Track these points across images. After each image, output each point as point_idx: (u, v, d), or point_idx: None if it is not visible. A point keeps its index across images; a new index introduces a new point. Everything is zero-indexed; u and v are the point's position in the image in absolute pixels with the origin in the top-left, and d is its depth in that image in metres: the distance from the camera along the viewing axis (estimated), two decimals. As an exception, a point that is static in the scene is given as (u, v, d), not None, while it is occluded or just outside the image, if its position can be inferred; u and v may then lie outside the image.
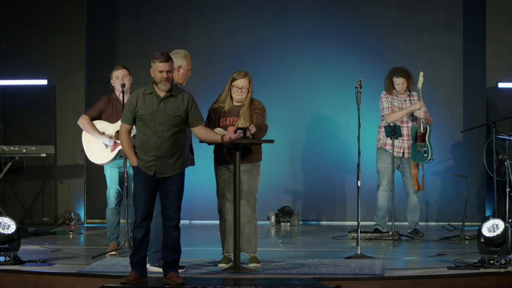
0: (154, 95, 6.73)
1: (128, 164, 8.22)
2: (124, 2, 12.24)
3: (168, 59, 6.70)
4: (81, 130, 8.60)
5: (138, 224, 6.69)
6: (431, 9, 11.88)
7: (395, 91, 9.98)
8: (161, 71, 6.67)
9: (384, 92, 10.02)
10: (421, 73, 9.81)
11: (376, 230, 9.88)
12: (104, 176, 8.60)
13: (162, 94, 6.73)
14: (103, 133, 8.43)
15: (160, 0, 12.15)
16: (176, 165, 6.73)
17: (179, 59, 7.45)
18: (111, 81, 8.56)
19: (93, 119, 8.50)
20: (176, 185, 6.74)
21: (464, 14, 11.81)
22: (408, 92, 10.00)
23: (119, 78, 8.47)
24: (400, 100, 9.98)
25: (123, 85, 8.39)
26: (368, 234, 9.75)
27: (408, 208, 9.99)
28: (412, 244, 9.49)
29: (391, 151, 9.82)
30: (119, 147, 8.32)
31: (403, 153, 9.93)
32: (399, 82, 9.92)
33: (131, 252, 6.86)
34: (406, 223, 10.19)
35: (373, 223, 10.13)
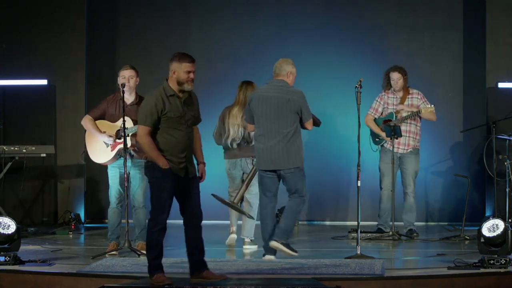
0: (176, 96, 6.67)
1: (128, 164, 8.22)
2: (124, 2, 12.24)
3: (194, 60, 6.68)
4: (83, 130, 8.63)
5: (163, 227, 6.61)
6: (431, 9, 11.88)
7: (392, 89, 10.03)
8: (189, 71, 6.64)
9: (382, 91, 10.08)
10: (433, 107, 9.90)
11: (379, 230, 9.89)
12: (107, 176, 8.61)
13: (181, 94, 6.69)
14: (104, 132, 8.44)
15: (160, 0, 12.14)
16: (194, 165, 6.77)
17: (289, 65, 8.10)
18: (118, 79, 8.51)
19: (96, 119, 8.50)
20: (198, 184, 6.78)
21: (464, 14, 11.81)
22: (407, 89, 10.03)
23: (125, 78, 8.44)
24: (396, 98, 10.02)
25: (123, 85, 8.38)
26: (368, 234, 9.75)
27: (405, 208, 9.99)
28: (412, 244, 9.49)
29: (391, 149, 9.85)
30: (119, 146, 8.33)
31: (404, 148, 9.94)
32: (395, 78, 9.97)
33: (153, 255, 6.66)
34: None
35: (375, 223, 10.14)
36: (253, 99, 8.02)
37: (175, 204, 6.70)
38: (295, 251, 7.85)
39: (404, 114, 9.94)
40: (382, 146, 10.04)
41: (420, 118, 9.99)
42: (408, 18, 11.91)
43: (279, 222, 7.97)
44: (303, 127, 7.97)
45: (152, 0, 12.18)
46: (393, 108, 10.03)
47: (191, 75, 6.64)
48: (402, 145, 9.95)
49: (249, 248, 8.90)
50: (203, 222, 6.75)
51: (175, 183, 6.59)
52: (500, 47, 11.46)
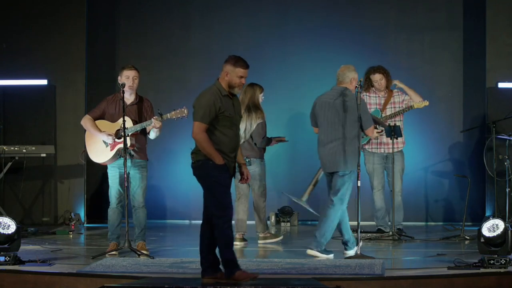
0: (228, 97, 6.70)
1: (128, 164, 8.21)
2: (124, 3, 12.25)
3: (248, 65, 6.71)
4: (83, 130, 8.62)
5: (231, 222, 6.62)
6: (431, 9, 11.88)
7: (373, 89, 10.02)
8: (241, 77, 6.68)
9: (363, 92, 10.04)
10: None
11: (379, 231, 9.90)
12: (106, 176, 8.61)
13: (230, 95, 6.72)
14: (104, 131, 8.44)
15: (160, 0, 12.16)
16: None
17: (352, 71, 8.30)
18: (119, 78, 8.49)
19: (96, 119, 8.50)
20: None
21: (464, 14, 11.82)
22: (390, 90, 10.04)
23: (129, 78, 8.42)
24: (379, 97, 10.02)
25: (123, 85, 8.38)
26: (368, 234, 9.75)
27: (392, 207, 9.96)
28: (412, 244, 9.49)
29: (376, 151, 9.90)
30: (118, 146, 8.32)
31: (384, 148, 9.93)
32: (377, 79, 9.97)
33: (231, 252, 6.56)
34: (407, 223, 10.19)
35: (373, 223, 10.14)
36: (317, 104, 8.36)
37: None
38: (331, 253, 8.24)
39: (389, 113, 9.91)
40: (364, 149, 10.02)
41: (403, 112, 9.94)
42: (408, 18, 11.91)
43: (318, 230, 8.21)
44: (364, 133, 8.28)
45: (152, 1, 12.19)
46: (375, 108, 10.01)
47: (243, 80, 6.70)
48: (386, 145, 9.90)
49: (271, 241, 9.38)
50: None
51: (228, 180, 6.65)
52: (500, 47, 11.46)
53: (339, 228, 8.29)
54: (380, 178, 9.92)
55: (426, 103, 9.85)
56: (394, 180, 9.85)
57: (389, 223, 9.83)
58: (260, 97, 9.49)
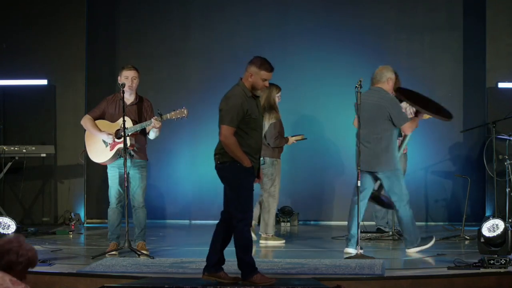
0: (252, 98, 6.65)
1: (128, 164, 8.21)
2: (124, 3, 12.24)
3: (273, 68, 6.66)
4: (83, 130, 8.62)
5: (250, 226, 6.62)
6: (431, 9, 11.88)
7: None
8: (265, 80, 6.63)
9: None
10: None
11: (379, 230, 9.90)
12: (106, 176, 8.61)
13: (254, 97, 6.68)
14: (103, 131, 8.44)
15: (160, 0, 12.15)
16: None
17: (389, 71, 8.42)
18: (119, 78, 8.49)
19: (95, 119, 8.50)
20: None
21: (464, 14, 11.82)
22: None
23: (128, 78, 8.41)
24: None
25: (123, 85, 8.38)
26: (368, 234, 9.75)
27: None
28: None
29: None
30: (118, 146, 8.32)
31: None
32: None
33: (245, 253, 6.55)
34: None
35: (373, 223, 10.14)
36: (357, 104, 8.44)
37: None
38: (430, 241, 8.47)
39: None
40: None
41: None
42: (408, 18, 11.91)
43: (404, 232, 8.49)
44: (401, 130, 8.47)
45: (152, 1, 12.19)
46: None
47: (266, 83, 6.65)
48: None
49: (271, 243, 9.39)
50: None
51: (253, 182, 6.64)
52: (500, 47, 11.47)
53: (349, 223, 8.46)
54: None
55: (427, 116, 9.82)
56: None
57: (388, 223, 9.83)
58: (277, 97, 9.50)
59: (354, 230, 8.34)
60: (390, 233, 9.65)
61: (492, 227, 7.25)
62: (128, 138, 8.22)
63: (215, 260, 6.65)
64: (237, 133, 6.51)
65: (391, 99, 8.33)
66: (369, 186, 8.49)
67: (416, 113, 8.64)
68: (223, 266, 6.67)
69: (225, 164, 6.53)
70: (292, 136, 9.80)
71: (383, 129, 8.31)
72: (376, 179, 8.48)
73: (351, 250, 8.27)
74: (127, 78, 8.41)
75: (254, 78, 6.59)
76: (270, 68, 6.62)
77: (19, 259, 4.34)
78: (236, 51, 11.92)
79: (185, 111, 8.22)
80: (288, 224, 11.59)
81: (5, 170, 10.93)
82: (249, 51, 11.87)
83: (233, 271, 6.71)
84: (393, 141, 8.31)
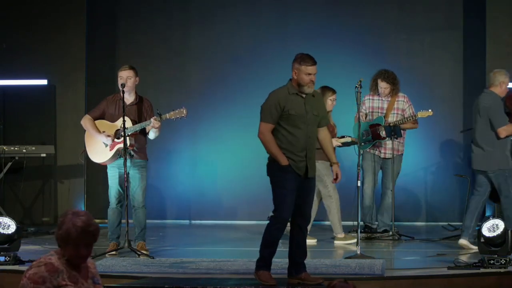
0: (299, 96, 6.67)
1: (128, 164, 8.21)
2: (124, 3, 12.24)
3: (316, 62, 6.69)
4: (83, 130, 8.63)
5: (283, 225, 6.64)
6: (431, 9, 11.87)
7: (378, 93, 10.01)
8: (309, 74, 6.66)
9: (369, 93, 10.02)
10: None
11: (367, 227, 9.91)
12: (106, 176, 8.61)
13: (303, 94, 6.70)
14: (103, 132, 8.44)
15: (160, 0, 12.15)
16: (315, 165, 6.77)
17: (502, 75, 8.62)
18: (117, 80, 8.50)
19: (95, 119, 8.51)
20: (315, 186, 6.86)
21: (464, 14, 11.81)
22: (390, 95, 9.98)
23: (123, 79, 8.43)
24: (382, 100, 10.00)
25: (123, 85, 8.38)
26: (368, 234, 9.75)
27: (382, 207, 9.95)
28: (412, 244, 9.49)
29: (373, 153, 9.90)
30: (118, 146, 8.33)
31: (386, 153, 9.92)
32: (382, 86, 9.94)
33: (267, 252, 6.64)
34: (408, 223, 10.20)
35: (375, 223, 10.13)
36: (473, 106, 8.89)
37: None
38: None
39: (391, 119, 9.86)
40: (364, 150, 10.02)
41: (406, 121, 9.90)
42: (408, 18, 11.90)
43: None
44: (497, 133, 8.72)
45: (152, 0, 12.19)
46: (378, 112, 9.99)
47: (312, 77, 6.68)
48: (389, 149, 9.89)
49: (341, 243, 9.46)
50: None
51: (295, 181, 6.59)
52: (500, 47, 11.46)
53: (464, 215, 8.90)
54: (373, 176, 9.93)
55: (430, 113, 9.82)
56: (387, 182, 9.88)
57: (377, 222, 9.86)
58: (329, 100, 9.41)
59: (468, 222, 8.62)
60: (390, 233, 9.64)
61: (492, 227, 7.26)
62: (128, 138, 8.22)
63: (292, 262, 6.73)
64: (278, 130, 6.60)
65: (491, 102, 8.60)
66: (485, 184, 8.76)
67: None
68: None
69: (268, 161, 6.67)
70: (338, 137, 9.74)
71: (489, 130, 8.62)
72: (488, 178, 8.76)
73: (464, 242, 8.58)
74: (121, 78, 8.43)
75: (298, 75, 6.66)
76: (311, 62, 6.69)
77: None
78: (236, 51, 11.92)
79: (184, 111, 8.23)
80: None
81: (5, 170, 10.92)
82: (249, 51, 11.96)
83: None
84: (505, 141, 8.62)
